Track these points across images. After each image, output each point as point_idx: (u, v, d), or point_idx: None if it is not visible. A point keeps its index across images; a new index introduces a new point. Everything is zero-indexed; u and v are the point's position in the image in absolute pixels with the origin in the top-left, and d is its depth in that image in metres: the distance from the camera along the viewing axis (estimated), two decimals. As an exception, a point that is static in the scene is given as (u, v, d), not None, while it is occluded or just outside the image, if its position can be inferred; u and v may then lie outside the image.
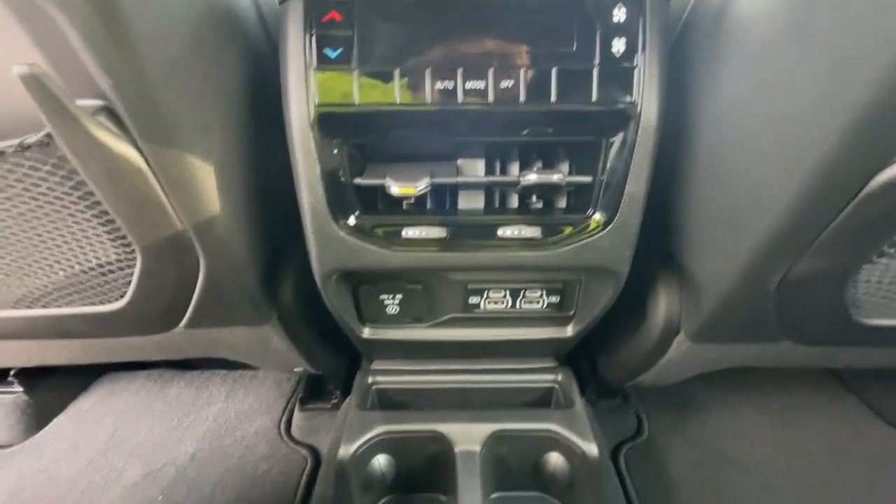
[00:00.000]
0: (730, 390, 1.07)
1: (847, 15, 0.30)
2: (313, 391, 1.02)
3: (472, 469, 0.60)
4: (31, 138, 0.41)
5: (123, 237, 0.50)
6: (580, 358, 0.78)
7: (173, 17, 0.39)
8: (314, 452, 0.95)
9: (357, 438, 0.62)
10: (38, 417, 1.04)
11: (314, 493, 0.87)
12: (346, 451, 0.61)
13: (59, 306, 0.59)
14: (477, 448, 0.62)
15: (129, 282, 0.56)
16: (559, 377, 0.73)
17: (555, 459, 0.65)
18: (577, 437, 0.62)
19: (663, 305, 0.59)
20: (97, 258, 0.53)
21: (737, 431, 0.97)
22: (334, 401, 0.98)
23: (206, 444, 0.98)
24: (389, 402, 0.74)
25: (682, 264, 0.54)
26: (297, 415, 1.01)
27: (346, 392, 0.97)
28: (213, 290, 0.57)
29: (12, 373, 1.03)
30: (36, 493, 0.89)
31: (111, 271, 0.55)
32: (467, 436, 0.63)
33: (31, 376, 1.05)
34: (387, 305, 0.61)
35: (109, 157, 0.42)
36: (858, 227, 0.38)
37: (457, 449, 0.62)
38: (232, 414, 1.05)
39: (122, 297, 0.57)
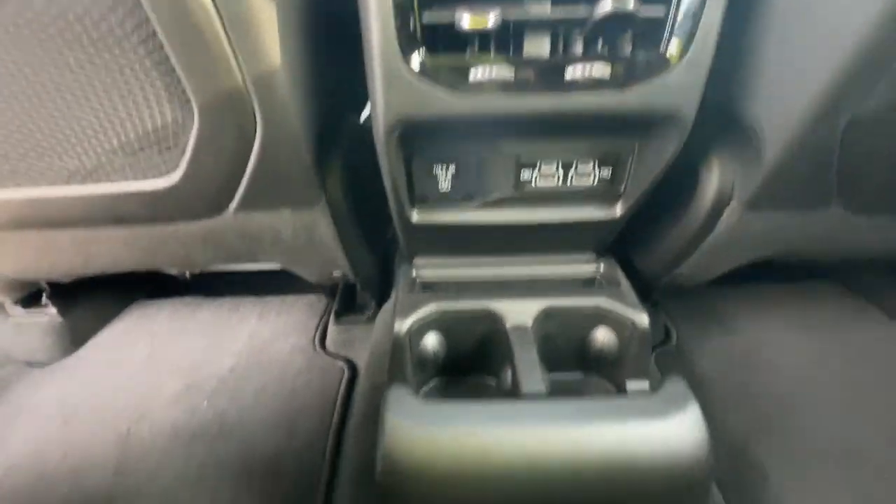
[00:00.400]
0: (756, 303, 1.09)
1: None
2: (347, 306, 1.03)
3: (528, 342, 0.61)
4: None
5: (182, 92, 0.49)
6: (616, 257, 0.79)
7: None
8: (351, 364, 0.97)
9: (410, 315, 0.63)
10: (74, 339, 1.05)
11: (354, 400, 0.89)
12: (401, 327, 0.62)
13: (111, 181, 0.59)
14: (529, 322, 0.63)
15: (185, 152, 0.55)
16: (601, 266, 0.74)
17: (602, 335, 0.67)
18: (627, 309, 0.63)
19: (717, 170, 0.59)
20: (154, 120, 0.52)
21: (763, 339, 0.99)
22: (369, 312, 1.00)
23: (244, 359, 0.99)
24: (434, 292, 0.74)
25: (741, 119, 0.54)
26: (331, 328, 1.02)
27: (380, 303, 0.98)
28: (268, 163, 0.57)
29: (45, 294, 1.03)
30: (81, 402, 0.91)
31: (167, 138, 0.54)
32: (519, 312, 0.64)
33: (64, 298, 1.06)
34: (440, 179, 0.60)
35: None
36: None
37: (508, 325, 0.63)
38: (266, 333, 1.07)
39: (176, 168, 0.57)
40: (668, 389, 0.51)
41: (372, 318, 0.99)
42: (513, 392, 0.56)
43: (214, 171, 0.57)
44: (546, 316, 0.65)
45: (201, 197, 0.60)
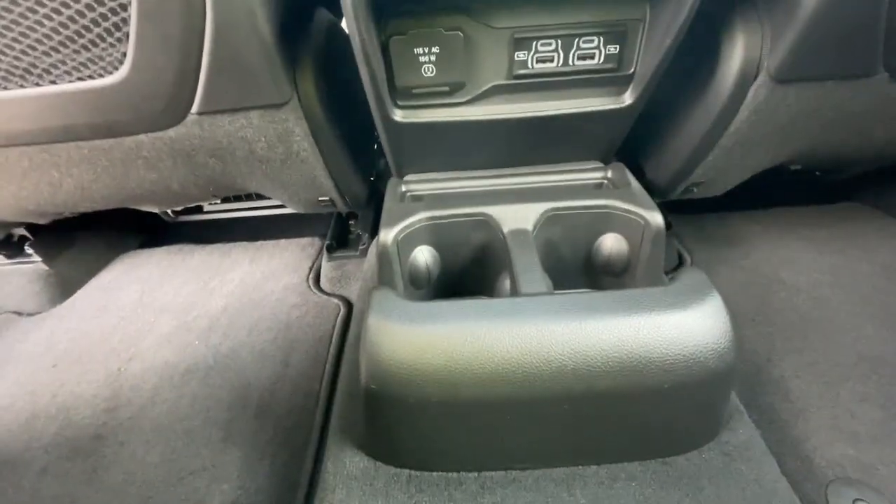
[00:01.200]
0: (771, 224, 1.02)
1: None
2: (340, 241, 0.98)
3: (527, 245, 0.55)
4: None
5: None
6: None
7: None
8: (346, 301, 0.92)
9: (398, 223, 0.57)
10: (62, 287, 1.02)
11: (350, 335, 0.85)
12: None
13: (59, 83, 0.52)
14: (529, 228, 0.57)
15: (128, 42, 0.48)
16: (609, 172, 0.67)
17: (611, 242, 0.61)
18: (639, 209, 0.57)
19: (742, 36, 0.51)
20: (91, 7, 0.45)
21: (781, 257, 0.93)
22: (363, 246, 0.95)
23: (236, 299, 0.96)
24: None
25: None
26: (324, 266, 0.97)
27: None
28: (224, 51, 0.50)
29: (27, 244, 0.99)
30: (70, 346, 0.88)
31: (108, 27, 0.47)
32: (518, 217, 0.58)
33: (50, 248, 1.02)
34: (422, 63, 0.53)
35: None
36: None
37: (506, 230, 0.57)
38: (258, 275, 1.02)
39: (122, 63, 0.50)
40: (686, 280, 0.45)
41: (365, 252, 0.94)
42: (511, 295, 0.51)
43: (164, 63, 0.51)
44: (548, 220, 0.59)
45: (155, 96, 0.54)
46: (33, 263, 0.99)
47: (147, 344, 0.86)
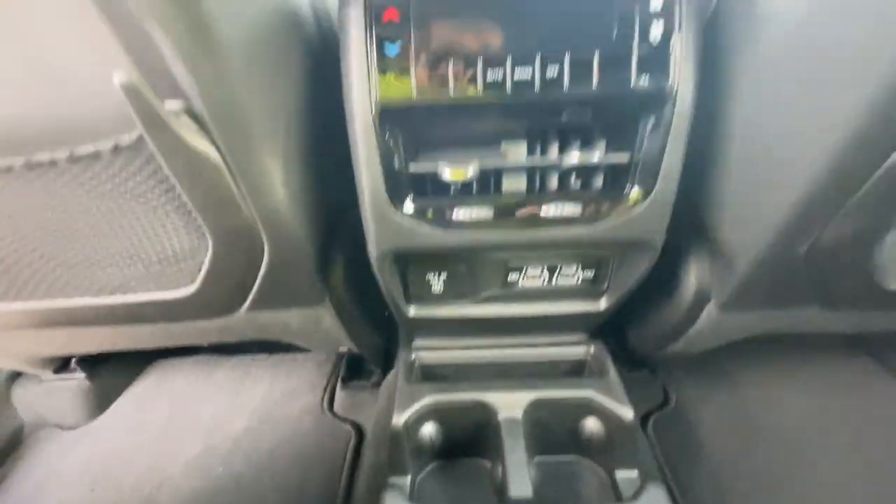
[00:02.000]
0: (756, 361, 1.08)
1: None
2: (354, 370, 1.08)
3: (516, 434, 0.65)
4: (125, 140, 0.46)
5: (198, 227, 0.55)
6: (609, 331, 0.82)
7: (249, 23, 0.43)
8: (358, 428, 1.01)
9: (408, 408, 0.67)
10: (100, 401, 1.12)
11: (362, 462, 0.93)
12: (399, 420, 0.67)
13: (136, 293, 0.65)
14: (519, 415, 0.67)
15: (200, 268, 0.61)
16: (591, 350, 0.77)
17: (591, 424, 0.70)
18: (613, 403, 0.66)
19: (694, 274, 0.62)
20: (173, 247, 0.58)
21: (764, 399, 1.00)
22: (374, 379, 1.04)
23: (257, 420, 1.05)
24: (432, 376, 0.79)
25: (713, 233, 0.57)
26: (339, 393, 1.07)
27: (385, 370, 1.02)
28: (275, 274, 0.63)
29: (74, 360, 1.11)
30: (106, 467, 0.97)
31: (185, 259, 0.60)
32: (510, 404, 0.68)
33: (91, 363, 1.13)
34: (432, 284, 0.65)
35: (191, 154, 0.46)
36: (886, 193, 0.41)
37: (500, 416, 0.67)
38: (277, 394, 1.12)
39: (192, 282, 0.63)
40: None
41: (378, 384, 1.04)
42: (501, 492, 0.60)
43: (227, 281, 0.63)
44: (535, 407, 0.68)
45: (215, 303, 0.66)
46: (77, 379, 1.10)
47: (175, 470, 0.95)
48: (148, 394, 1.15)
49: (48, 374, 1.09)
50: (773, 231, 0.49)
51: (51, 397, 1.09)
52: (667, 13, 0.43)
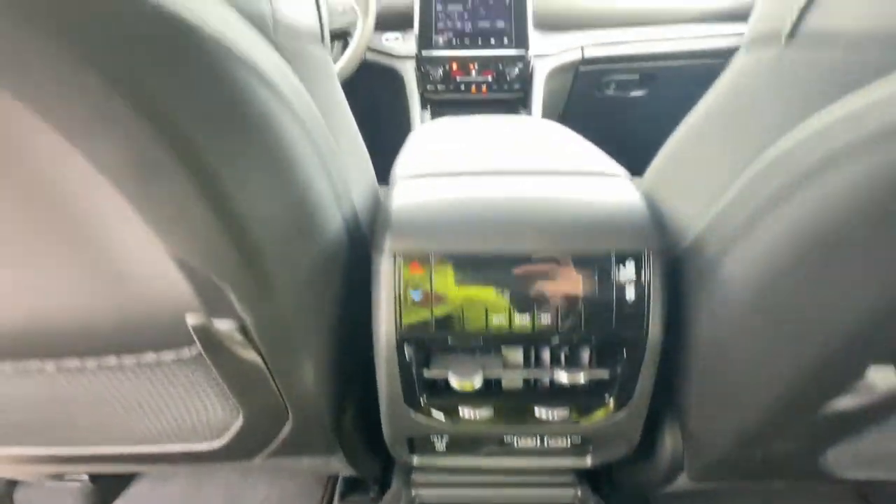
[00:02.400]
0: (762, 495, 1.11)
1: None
2: (352, 485, 1.13)
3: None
4: (186, 354, 0.54)
5: (234, 406, 0.63)
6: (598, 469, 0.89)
7: (302, 268, 0.53)
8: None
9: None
10: (103, 501, 1.15)
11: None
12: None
13: (162, 444, 0.71)
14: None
15: (229, 428, 0.68)
16: (579, 493, 0.84)
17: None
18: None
19: (669, 442, 0.70)
20: (207, 417, 0.65)
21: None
22: (372, 496, 1.09)
23: (255, 532, 1.08)
24: None
25: (682, 418, 0.66)
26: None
27: (383, 487, 1.07)
28: (294, 435, 0.69)
29: (79, 462, 1.14)
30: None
31: (216, 425, 0.67)
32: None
33: (95, 464, 1.16)
34: (436, 444, 0.72)
35: (240, 362, 0.55)
36: (834, 417, 0.49)
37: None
38: (275, 500, 1.15)
39: (218, 437, 0.70)
40: None
41: (376, 501, 1.08)
42: None
43: (250, 441, 0.70)
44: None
45: (235, 454, 0.73)
46: (80, 482, 1.13)
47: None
48: (146, 498, 1.18)
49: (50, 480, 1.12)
50: (736, 438, 0.57)
51: (53, 500, 1.12)
52: (638, 278, 0.53)
